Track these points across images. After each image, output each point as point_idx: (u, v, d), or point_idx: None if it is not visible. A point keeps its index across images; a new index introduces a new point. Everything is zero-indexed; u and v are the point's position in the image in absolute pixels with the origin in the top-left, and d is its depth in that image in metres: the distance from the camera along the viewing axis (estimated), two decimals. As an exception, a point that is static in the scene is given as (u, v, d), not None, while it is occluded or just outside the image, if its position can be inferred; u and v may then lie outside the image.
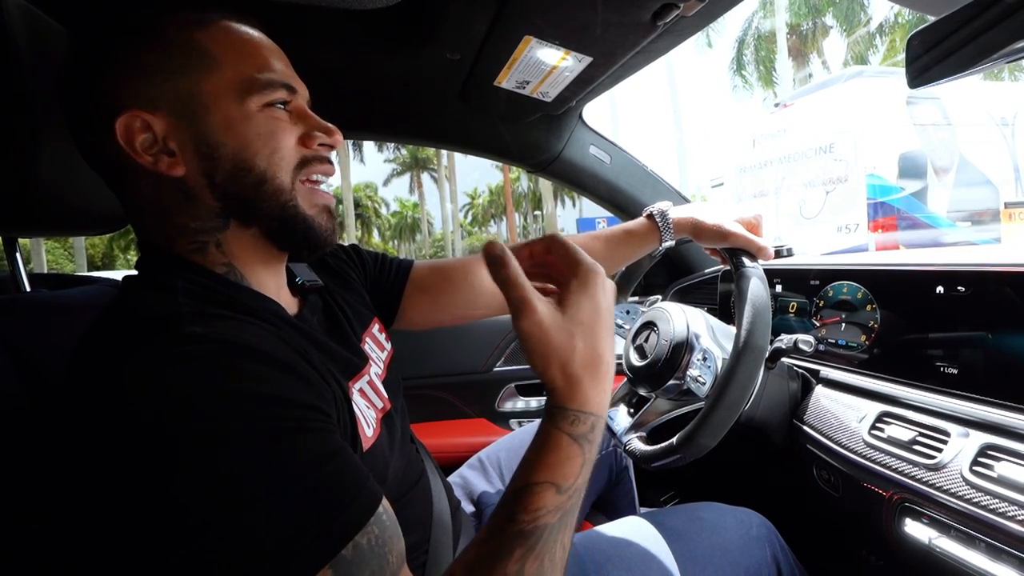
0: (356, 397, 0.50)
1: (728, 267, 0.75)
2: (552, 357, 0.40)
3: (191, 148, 0.44)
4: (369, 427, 0.50)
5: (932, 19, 0.50)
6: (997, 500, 0.51)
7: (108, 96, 0.43)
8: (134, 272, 0.47)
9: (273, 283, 0.52)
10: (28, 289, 0.66)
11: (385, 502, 0.39)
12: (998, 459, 0.54)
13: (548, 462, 0.40)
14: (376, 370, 0.59)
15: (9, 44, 0.50)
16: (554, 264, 0.45)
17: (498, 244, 0.41)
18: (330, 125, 0.50)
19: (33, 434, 0.47)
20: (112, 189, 0.47)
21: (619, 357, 0.87)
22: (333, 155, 0.52)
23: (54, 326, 0.57)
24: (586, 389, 0.41)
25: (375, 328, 0.66)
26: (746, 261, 0.71)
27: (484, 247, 0.41)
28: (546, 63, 0.87)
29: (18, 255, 0.66)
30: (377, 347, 0.64)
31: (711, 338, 0.76)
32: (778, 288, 0.94)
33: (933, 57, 0.50)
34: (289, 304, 0.53)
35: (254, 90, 0.45)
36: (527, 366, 1.40)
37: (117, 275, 0.60)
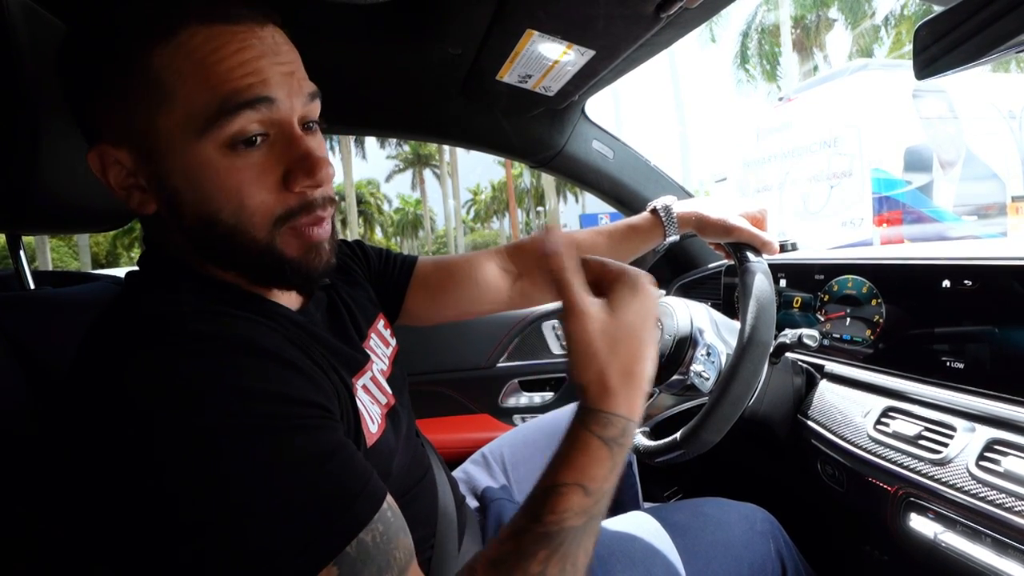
0: (360, 393, 0.50)
1: (732, 262, 0.75)
2: (592, 362, 0.40)
3: (155, 188, 0.41)
4: (373, 423, 0.50)
5: (939, 10, 0.50)
6: (1003, 495, 0.51)
7: (88, 124, 0.42)
8: (136, 268, 0.47)
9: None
10: (32, 286, 0.66)
11: (389, 499, 0.39)
12: (1005, 454, 0.53)
13: (576, 464, 0.39)
14: (380, 366, 0.59)
15: (10, 41, 0.50)
16: (593, 280, 0.44)
17: (558, 235, 0.41)
18: (318, 157, 0.41)
19: (37, 431, 0.47)
20: None
21: None
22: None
23: (58, 323, 0.57)
24: (619, 393, 0.41)
25: (380, 324, 0.66)
26: (750, 256, 0.71)
27: (545, 235, 0.41)
28: (548, 57, 0.86)
29: (22, 252, 0.66)
30: (382, 343, 0.64)
31: (715, 333, 0.76)
32: (782, 283, 0.94)
33: (941, 48, 0.49)
34: (292, 301, 0.53)
35: (211, 127, 0.38)
36: (530, 361, 1.41)
37: (121, 272, 0.60)
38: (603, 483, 0.40)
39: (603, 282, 0.44)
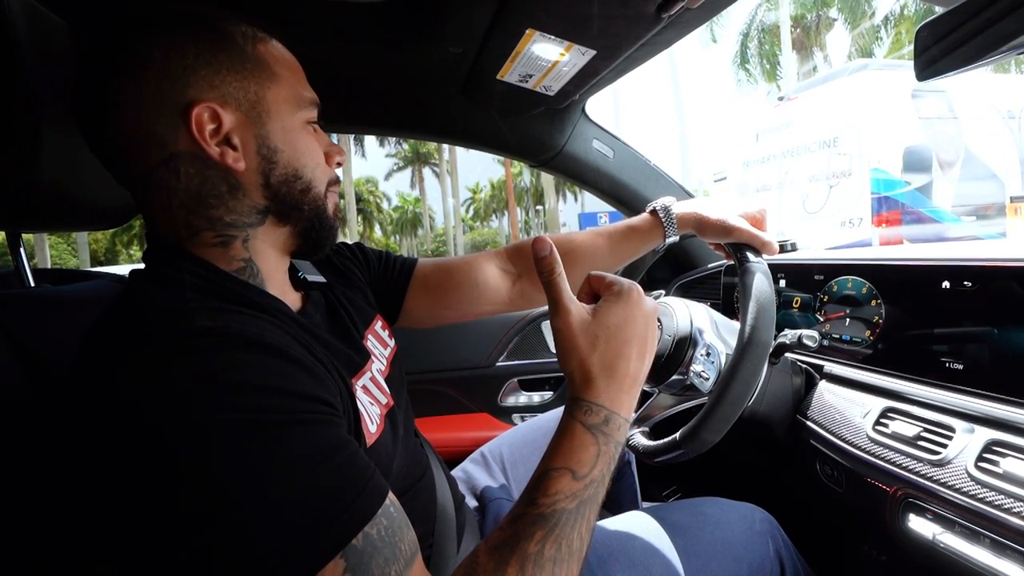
0: (360, 393, 0.51)
1: (732, 262, 0.75)
2: (573, 353, 0.45)
3: (253, 147, 0.47)
4: (373, 423, 0.50)
5: (940, 11, 0.50)
6: (1002, 496, 0.51)
7: (178, 85, 0.44)
8: (141, 266, 0.47)
9: (279, 280, 0.52)
10: (32, 284, 0.66)
11: (391, 495, 0.40)
12: (1004, 455, 0.54)
13: (563, 449, 0.43)
14: (379, 366, 0.59)
15: (11, 39, 0.50)
16: (592, 291, 0.50)
17: (548, 242, 0.46)
18: (338, 145, 0.56)
19: (36, 429, 0.47)
20: (128, 176, 0.45)
21: None
22: None
23: (58, 321, 0.57)
24: (600, 385, 0.44)
25: (378, 325, 0.66)
26: (750, 256, 0.71)
27: (534, 242, 0.46)
28: (549, 57, 0.86)
29: (22, 250, 0.66)
30: (380, 344, 0.64)
31: (715, 333, 0.76)
32: (782, 283, 0.94)
33: (942, 49, 0.49)
34: (293, 301, 0.53)
35: (303, 107, 0.50)
36: (529, 361, 1.41)
37: (120, 270, 0.60)
38: (591, 468, 0.42)
39: (599, 291, 0.49)
